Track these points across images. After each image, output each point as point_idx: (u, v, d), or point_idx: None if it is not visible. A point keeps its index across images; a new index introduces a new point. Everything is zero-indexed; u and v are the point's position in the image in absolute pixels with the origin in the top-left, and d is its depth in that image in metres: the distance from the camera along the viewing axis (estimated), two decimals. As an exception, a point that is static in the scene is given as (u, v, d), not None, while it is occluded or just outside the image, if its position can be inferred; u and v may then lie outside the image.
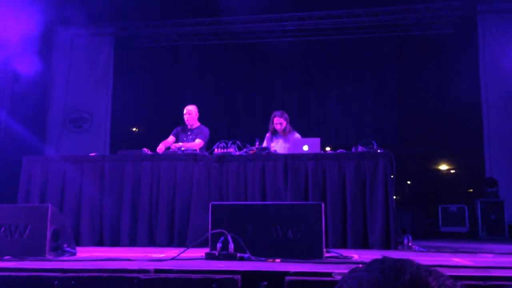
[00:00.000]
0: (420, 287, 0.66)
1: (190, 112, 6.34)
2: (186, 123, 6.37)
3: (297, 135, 6.17)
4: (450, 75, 9.28)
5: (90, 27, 10.25)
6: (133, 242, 5.35)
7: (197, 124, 6.41)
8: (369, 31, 10.09)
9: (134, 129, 11.15)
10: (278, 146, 6.07)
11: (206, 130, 6.33)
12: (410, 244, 4.84)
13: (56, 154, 8.67)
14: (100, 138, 10.13)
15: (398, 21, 9.79)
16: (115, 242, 5.36)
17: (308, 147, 5.51)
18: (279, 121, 6.15)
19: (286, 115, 6.22)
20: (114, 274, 2.93)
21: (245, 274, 2.91)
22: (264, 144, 6.13)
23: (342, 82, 10.58)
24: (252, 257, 3.56)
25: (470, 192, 10.22)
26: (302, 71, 10.70)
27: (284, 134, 6.18)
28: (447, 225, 8.79)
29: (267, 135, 6.30)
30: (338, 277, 2.95)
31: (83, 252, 4.21)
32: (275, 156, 5.48)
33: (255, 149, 5.58)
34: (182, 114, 6.47)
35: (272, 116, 6.22)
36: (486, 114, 9.13)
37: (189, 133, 6.33)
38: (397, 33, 10.10)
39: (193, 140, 6.20)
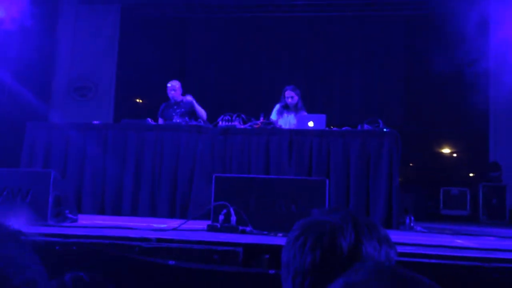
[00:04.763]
0: None
1: (175, 88, 6.27)
2: (171, 98, 6.30)
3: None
4: (458, 55, 9.14)
5: (96, -5, 10.10)
6: (134, 212, 5.35)
7: (181, 97, 6.32)
8: (377, 8, 9.93)
9: (139, 100, 11.09)
10: (289, 120, 6.00)
11: (193, 99, 6.21)
12: (412, 224, 4.83)
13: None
14: (104, 107, 10.07)
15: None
16: (116, 211, 5.36)
17: (314, 123, 5.46)
18: (290, 95, 6.06)
19: (298, 91, 6.13)
20: (116, 242, 2.92)
21: (247, 246, 2.90)
22: (273, 115, 6.07)
23: (349, 59, 10.46)
24: (254, 231, 3.55)
25: (473, 175, 10.19)
26: (309, 47, 10.56)
27: (296, 110, 6.09)
28: (448, 208, 8.77)
29: (277, 106, 6.19)
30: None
31: (84, 219, 4.21)
32: (280, 131, 5.44)
33: (260, 123, 5.53)
34: (187, 86, 6.43)
35: (284, 90, 6.14)
36: (493, 97, 9.02)
37: (175, 107, 6.23)
38: (406, 11, 9.93)
39: (182, 112, 6.07)
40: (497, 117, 9.01)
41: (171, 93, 6.28)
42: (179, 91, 6.33)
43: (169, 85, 6.31)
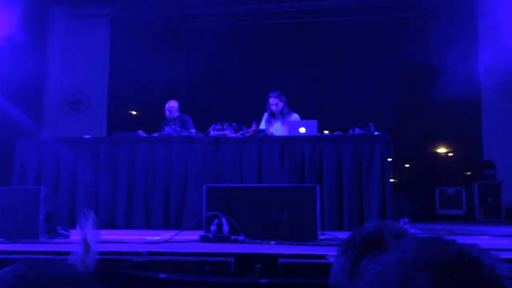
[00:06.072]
0: (470, 263, 0.63)
1: (171, 109, 6.57)
2: (167, 116, 6.58)
3: (296, 116, 6.08)
4: (449, 57, 9.19)
5: (86, 7, 10.12)
6: (128, 225, 5.33)
7: (177, 114, 6.61)
8: (368, 12, 9.97)
9: (132, 112, 11.08)
10: (276, 129, 6.00)
11: (189, 118, 6.55)
12: (406, 226, 4.83)
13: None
14: (97, 121, 10.07)
15: (397, 2, 9.66)
16: (110, 224, 5.34)
17: (305, 129, 5.46)
18: (274, 102, 6.06)
19: (283, 97, 6.12)
20: (107, 257, 2.91)
21: (239, 256, 2.89)
22: (262, 124, 6.08)
23: (341, 64, 10.49)
24: (247, 240, 3.55)
25: (468, 174, 10.21)
26: (300, 53, 10.59)
27: (281, 116, 6.08)
28: (444, 208, 8.78)
29: (265, 115, 6.20)
30: (332, 259, 2.94)
31: (77, 234, 4.18)
32: (272, 138, 5.44)
33: (251, 132, 5.53)
34: (180, 97, 6.52)
35: (268, 97, 6.14)
36: (485, 97, 9.07)
37: (171, 123, 6.47)
38: (397, 14, 9.97)
39: (179, 127, 6.25)
40: (489, 115, 9.05)
41: (167, 113, 6.57)
42: (175, 111, 6.59)
43: (166, 105, 6.61)
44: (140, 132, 5.77)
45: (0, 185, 4.62)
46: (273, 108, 6.04)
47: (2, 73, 8.20)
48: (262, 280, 2.67)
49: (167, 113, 6.56)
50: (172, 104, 6.62)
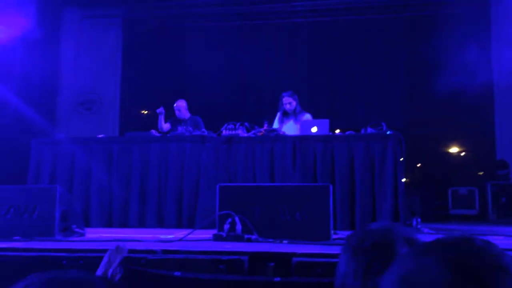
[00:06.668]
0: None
1: (180, 108, 6.65)
2: (178, 117, 6.66)
3: (308, 116, 6.09)
4: (461, 55, 9.13)
5: (98, 8, 10.20)
6: (141, 224, 5.37)
7: (188, 114, 6.69)
8: (378, 12, 9.94)
9: (144, 111, 11.15)
10: (289, 127, 6.01)
11: (200, 120, 6.61)
12: (419, 226, 4.82)
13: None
14: (109, 120, 10.14)
15: (408, 1, 9.62)
16: (124, 223, 5.39)
17: (317, 129, 5.46)
18: (288, 101, 6.07)
19: (295, 95, 6.14)
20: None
21: (252, 255, 2.90)
22: (275, 124, 6.09)
23: (352, 63, 10.46)
24: (260, 239, 3.56)
25: (481, 174, 10.13)
26: (311, 52, 10.57)
27: (294, 115, 6.09)
28: (457, 208, 8.73)
29: (278, 115, 6.22)
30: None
31: (92, 233, 4.24)
32: (284, 137, 5.45)
33: (263, 131, 5.54)
34: (191, 96, 6.57)
35: (281, 97, 6.15)
36: (498, 95, 8.99)
37: (183, 123, 6.55)
38: (408, 13, 9.93)
39: (192, 128, 6.28)
40: (503, 114, 8.98)
41: (177, 113, 6.66)
42: (184, 110, 6.67)
43: (175, 105, 6.68)
44: (153, 131, 5.82)
45: (16, 184, 4.68)
46: (287, 107, 6.05)
47: (16, 74, 8.29)
48: (276, 279, 2.68)
49: (176, 112, 6.65)
50: (181, 103, 6.69)
